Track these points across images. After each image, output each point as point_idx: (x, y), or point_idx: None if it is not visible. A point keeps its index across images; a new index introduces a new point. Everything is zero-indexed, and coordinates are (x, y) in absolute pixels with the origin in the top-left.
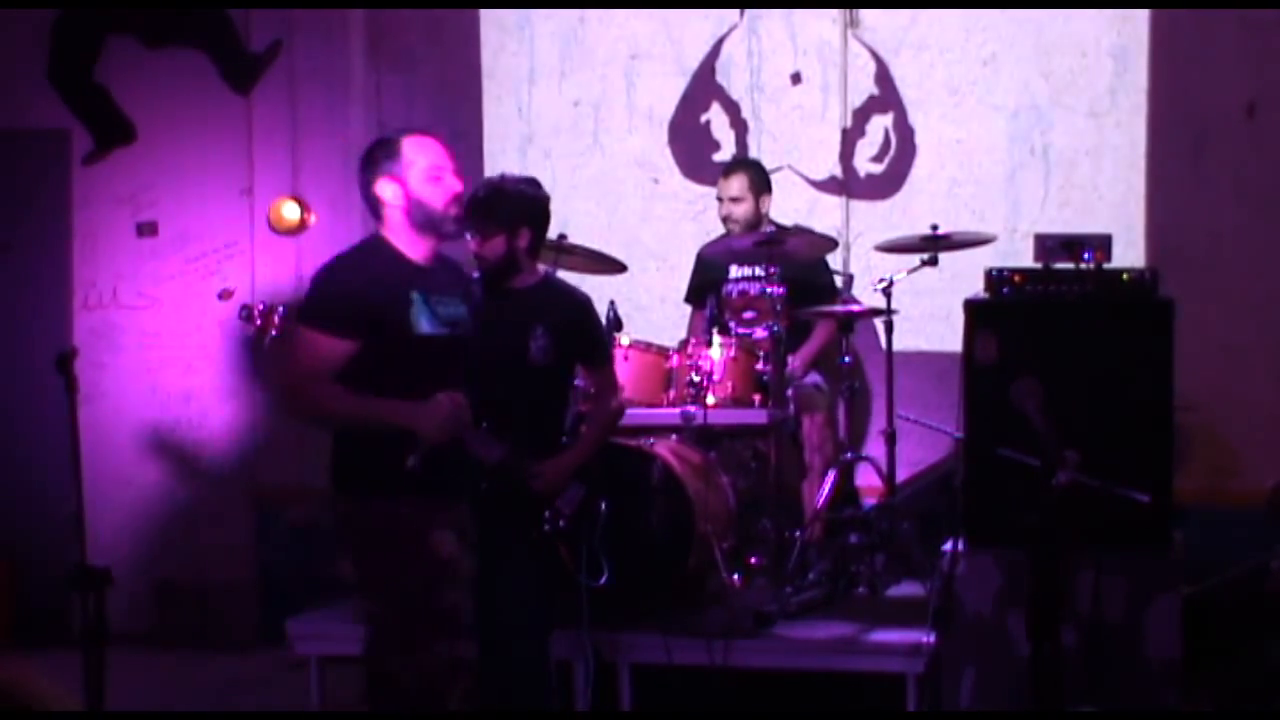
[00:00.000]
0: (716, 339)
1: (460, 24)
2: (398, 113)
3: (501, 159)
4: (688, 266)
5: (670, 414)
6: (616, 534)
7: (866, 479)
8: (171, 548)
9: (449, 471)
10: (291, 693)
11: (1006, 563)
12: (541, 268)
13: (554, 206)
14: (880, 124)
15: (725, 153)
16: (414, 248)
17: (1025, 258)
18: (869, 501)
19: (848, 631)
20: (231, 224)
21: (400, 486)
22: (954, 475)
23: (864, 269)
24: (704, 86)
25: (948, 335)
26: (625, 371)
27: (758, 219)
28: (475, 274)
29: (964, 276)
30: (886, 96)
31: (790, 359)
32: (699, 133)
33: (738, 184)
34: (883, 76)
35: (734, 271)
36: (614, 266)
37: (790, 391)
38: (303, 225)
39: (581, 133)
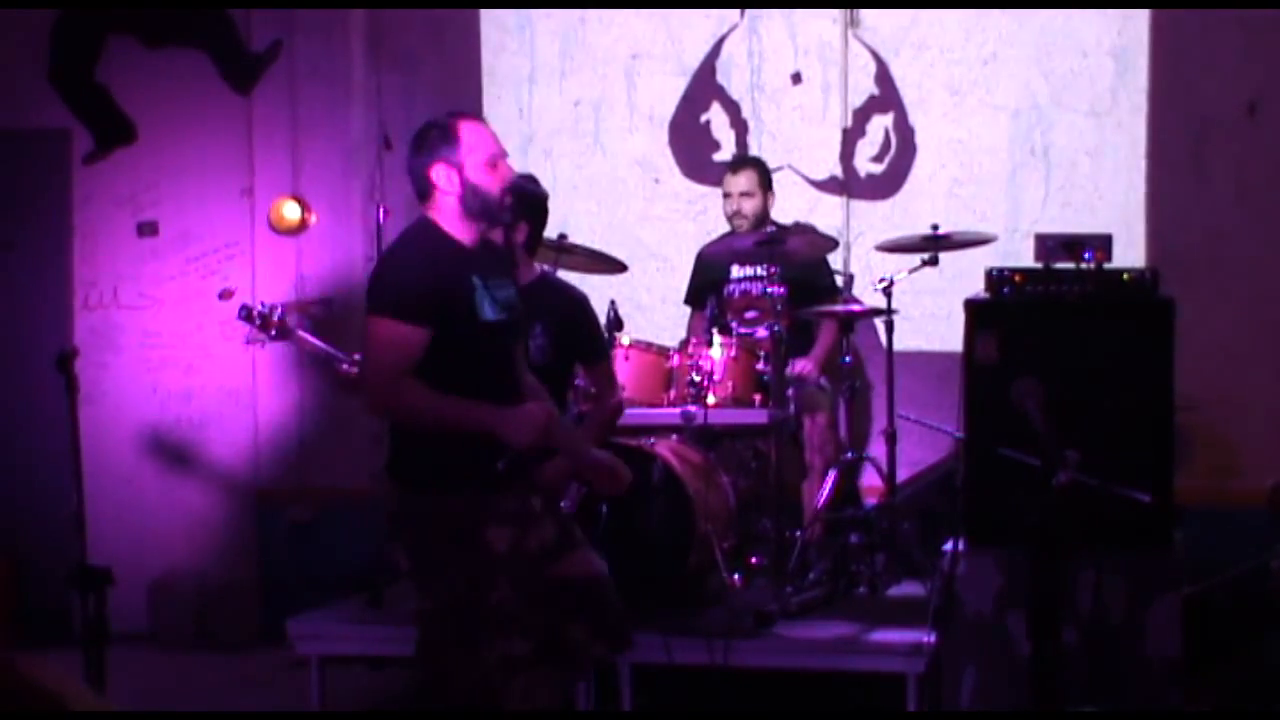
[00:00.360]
0: (717, 339)
1: (461, 24)
2: (398, 113)
3: None
4: (688, 266)
5: (671, 414)
6: (617, 534)
7: (867, 479)
8: (172, 548)
9: (516, 476)
10: (291, 693)
11: (1007, 562)
12: (539, 266)
13: (554, 206)
14: (881, 124)
15: (725, 152)
16: (464, 232)
17: (1026, 257)
18: (869, 501)
19: (848, 631)
20: (232, 224)
21: (456, 482)
22: (954, 475)
23: (864, 269)
24: (704, 86)
25: (948, 335)
26: (626, 371)
27: (765, 216)
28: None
29: (964, 276)
30: (887, 96)
31: (803, 362)
32: (699, 132)
33: (747, 179)
34: (883, 76)
35: (735, 271)
36: (614, 266)
37: (791, 391)
38: (303, 225)
39: (582, 132)
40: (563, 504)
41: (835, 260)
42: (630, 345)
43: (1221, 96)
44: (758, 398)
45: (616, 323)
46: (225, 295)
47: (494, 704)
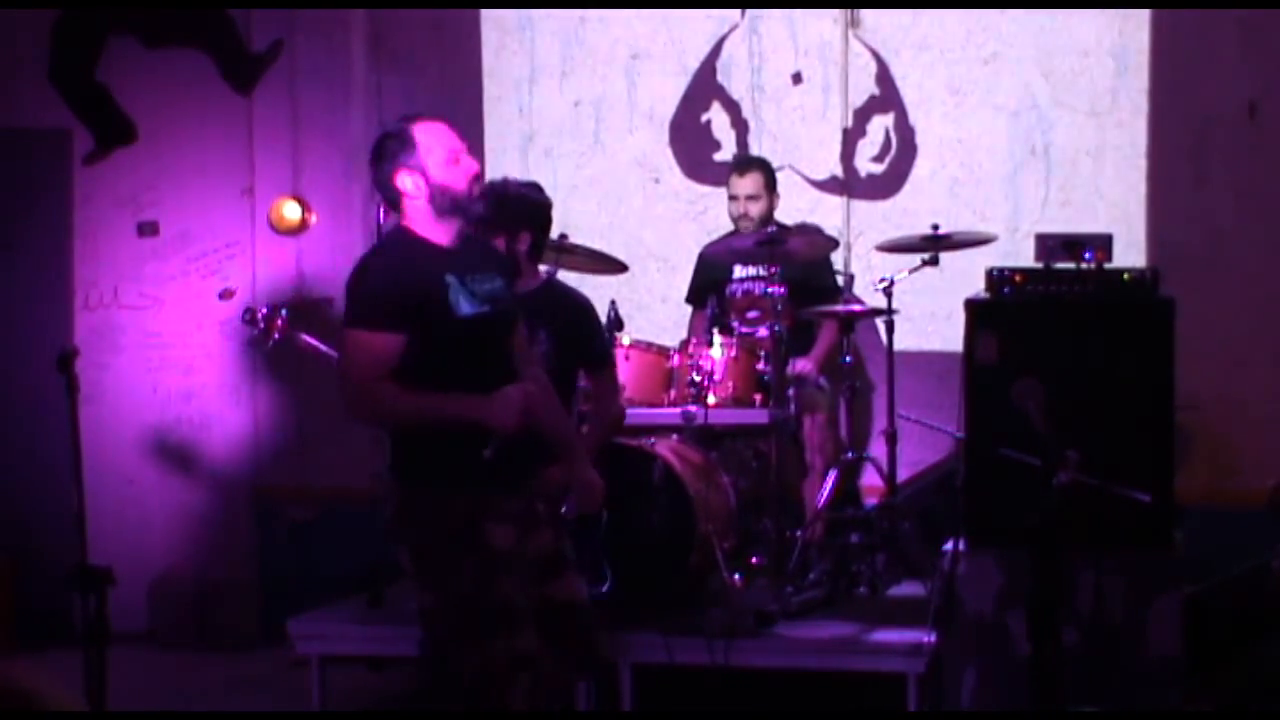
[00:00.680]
0: (717, 339)
1: (461, 24)
2: (398, 113)
3: (502, 159)
4: (689, 266)
5: (671, 414)
6: (618, 534)
7: (867, 478)
8: (172, 547)
9: (509, 463)
10: (292, 693)
11: (1007, 562)
12: (544, 269)
13: (555, 206)
14: (881, 124)
15: (726, 152)
16: (439, 233)
17: (1026, 257)
18: (870, 501)
19: (849, 631)
20: (232, 224)
21: (457, 478)
22: (955, 475)
23: (865, 269)
24: (705, 86)
25: (949, 335)
26: (626, 371)
27: (769, 217)
28: None
29: (965, 276)
30: (887, 96)
31: (803, 361)
32: (700, 132)
33: (753, 182)
34: (884, 76)
35: (738, 271)
36: (615, 266)
37: (791, 391)
38: (303, 225)
39: (582, 132)
40: (562, 510)
41: (836, 260)
42: (631, 345)
43: (1222, 96)
44: (758, 398)
45: (617, 323)
46: (226, 295)
47: (503, 701)
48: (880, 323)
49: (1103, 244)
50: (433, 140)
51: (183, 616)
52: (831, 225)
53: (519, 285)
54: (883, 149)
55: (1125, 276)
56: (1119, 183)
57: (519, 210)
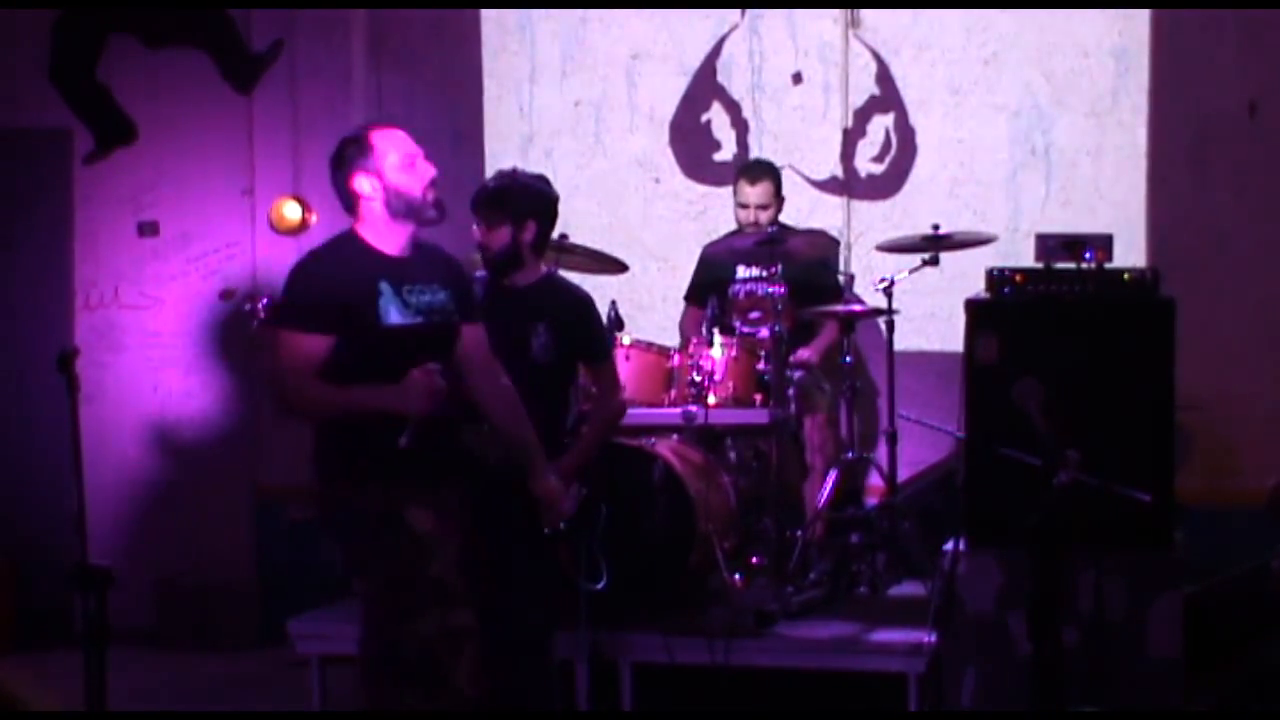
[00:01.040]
0: (718, 338)
1: (461, 24)
2: (399, 113)
3: (503, 159)
4: (689, 266)
5: (671, 413)
6: (618, 534)
7: (868, 478)
8: (172, 547)
9: (428, 454)
10: (292, 692)
11: (1008, 562)
12: (545, 267)
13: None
14: (881, 124)
15: (726, 152)
16: (390, 239)
17: (1026, 257)
18: (870, 501)
19: (849, 631)
20: (233, 224)
21: (374, 470)
22: (955, 475)
23: (865, 269)
24: (705, 86)
25: (949, 335)
26: (626, 371)
27: (775, 222)
28: (479, 273)
29: (965, 276)
30: (888, 96)
31: (804, 350)
32: (700, 133)
33: (765, 191)
34: (884, 76)
35: (741, 272)
36: (615, 266)
37: (791, 391)
38: (304, 225)
39: (583, 133)
40: (562, 505)
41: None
42: (631, 345)
43: (1222, 96)
44: (758, 397)
45: (617, 322)
46: (226, 295)
47: (441, 675)
48: (881, 322)
49: (1103, 244)
50: (390, 145)
51: (183, 616)
52: (832, 225)
53: (520, 279)
54: (883, 149)
55: (1125, 276)
56: (1119, 183)
57: (526, 200)
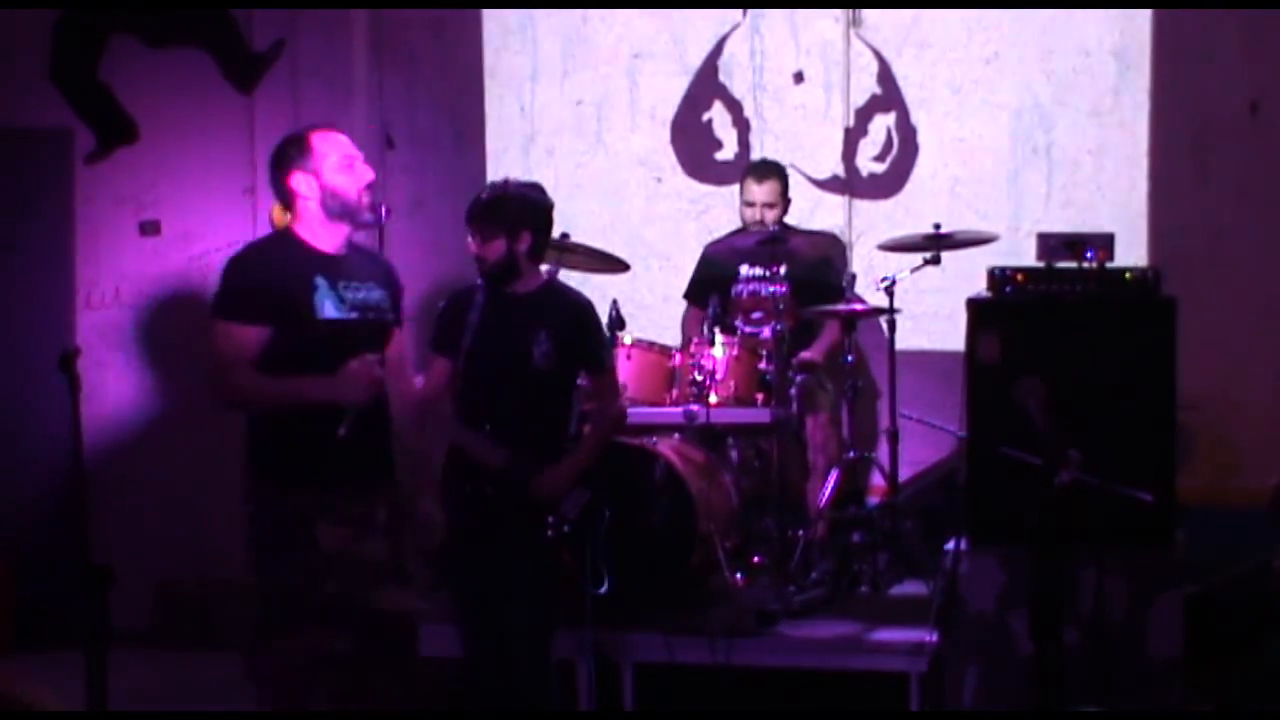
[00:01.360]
0: (719, 338)
1: (463, 23)
2: (400, 112)
3: (504, 158)
4: (690, 265)
5: (673, 413)
6: (619, 533)
7: (870, 478)
8: (173, 547)
9: (359, 461)
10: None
11: (1009, 562)
12: (545, 268)
13: (556, 206)
14: (883, 123)
15: (728, 152)
16: (325, 238)
17: (1028, 257)
18: (872, 500)
19: (850, 630)
20: (234, 223)
21: (301, 474)
22: (957, 474)
23: (867, 268)
24: (706, 85)
25: (950, 334)
26: (628, 370)
27: (781, 221)
28: (479, 280)
29: (967, 275)
30: (889, 95)
31: (807, 352)
32: (701, 132)
33: (771, 189)
34: (885, 75)
35: (744, 271)
36: (617, 265)
37: (793, 390)
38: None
39: (584, 132)
40: (564, 508)
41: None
42: (633, 344)
43: (1224, 96)
44: (760, 397)
45: (619, 322)
46: (148, 229)
47: (301, 698)
48: (882, 322)
49: (1104, 243)
50: (329, 147)
51: (184, 616)
52: (833, 224)
53: (520, 286)
54: (884, 148)
55: (1127, 276)
56: (1120, 182)
57: (519, 210)
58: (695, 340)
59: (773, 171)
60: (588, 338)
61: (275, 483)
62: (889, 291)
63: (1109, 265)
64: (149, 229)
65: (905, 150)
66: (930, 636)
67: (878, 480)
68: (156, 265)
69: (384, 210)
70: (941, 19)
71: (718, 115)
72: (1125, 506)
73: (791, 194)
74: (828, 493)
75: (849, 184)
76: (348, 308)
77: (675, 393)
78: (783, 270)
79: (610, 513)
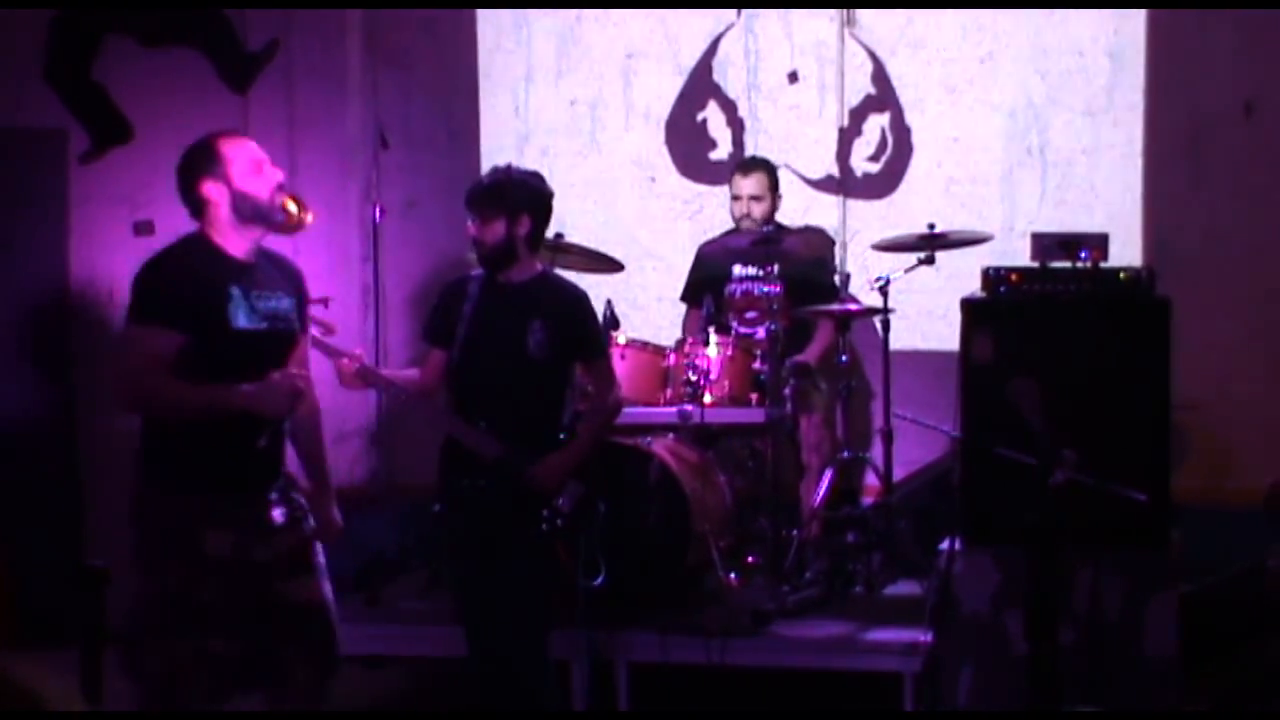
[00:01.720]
0: (713, 337)
1: (457, 23)
2: (394, 112)
3: (498, 157)
4: (685, 265)
5: (667, 413)
6: (614, 533)
7: (864, 477)
8: None
9: (251, 465)
10: None
11: (1004, 562)
12: (539, 264)
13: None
14: (877, 123)
15: (722, 151)
16: (237, 243)
17: (1022, 257)
18: (866, 500)
19: (845, 630)
20: None
21: (189, 480)
22: (951, 474)
23: (861, 268)
24: (701, 85)
25: (945, 334)
26: (622, 370)
27: (771, 218)
28: (475, 272)
29: (961, 275)
30: (883, 95)
31: (800, 356)
32: (696, 131)
33: (757, 182)
34: (880, 76)
35: (737, 270)
36: (611, 265)
37: (787, 390)
38: (300, 224)
39: (578, 131)
40: (559, 502)
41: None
42: (627, 344)
43: (1218, 96)
44: (754, 397)
45: (613, 322)
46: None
47: (174, 698)
48: (876, 322)
49: (1099, 243)
50: (236, 152)
51: None
52: (827, 224)
53: (515, 275)
54: (879, 148)
55: (1121, 276)
56: (1115, 182)
57: (520, 194)
58: (689, 340)
59: (758, 165)
60: (582, 327)
61: (165, 489)
62: (883, 291)
63: (1103, 265)
64: (143, 229)
65: (899, 150)
66: (925, 636)
67: (872, 480)
68: None
69: (378, 210)
70: (936, 19)
71: (712, 115)
72: (1120, 506)
73: (786, 194)
74: (822, 492)
75: (843, 184)
76: (259, 318)
77: (669, 392)
78: (776, 270)
79: (605, 507)
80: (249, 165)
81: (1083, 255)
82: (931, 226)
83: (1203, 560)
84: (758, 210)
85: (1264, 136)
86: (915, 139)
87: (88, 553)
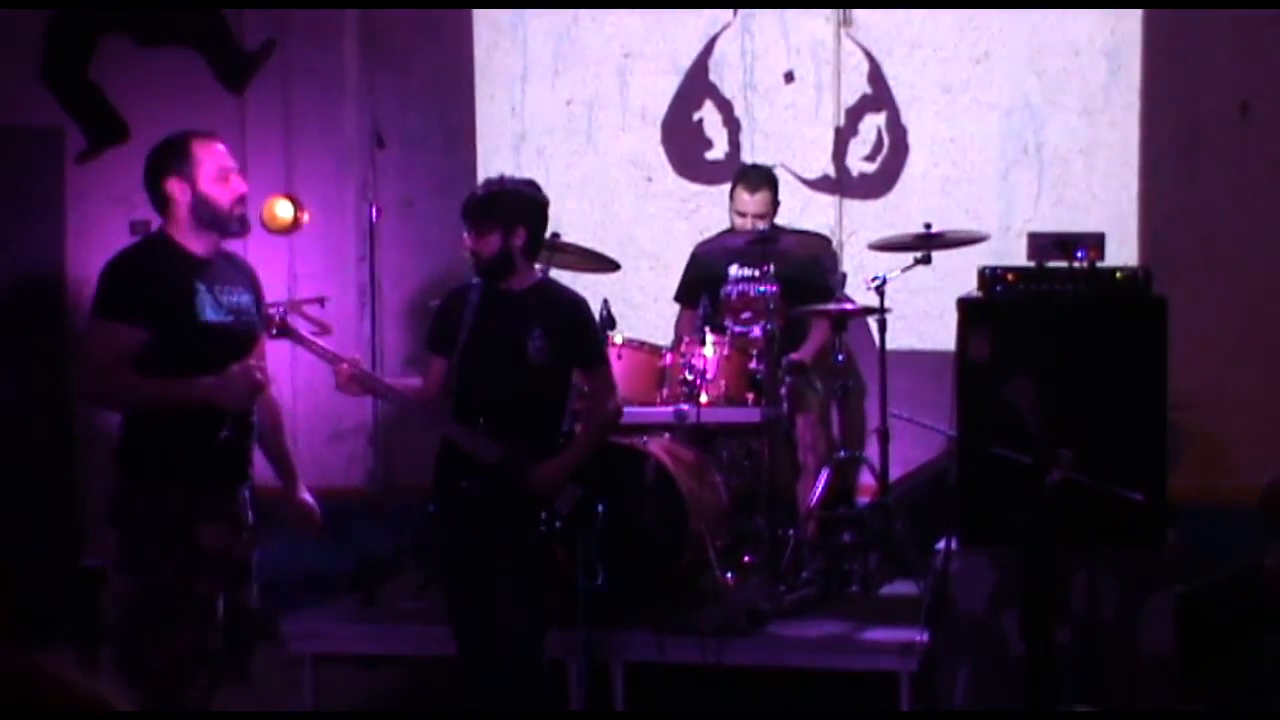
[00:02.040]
0: (709, 337)
1: (453, 23)
2: (391, 112)
3: (495, 157)
4: (681, 265)
5: (663, 412)
6: (610, 532)
7: (860, 477)
8: None
9: (229, 460)
10: (285, 691)
11: (1000, 561)
12: (538, 270)
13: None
14: (873, 123)
15: (718, 151)
16: (197, 243)
17: (1018, 256)
18: (862, 500)
19: (841, 630)
20: None
21: (176, 472)
22: (947, 474)
23: (857, 267)
24: (697, 85)
25: (941, 334)
26: (618, 370)
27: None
28: (475, 280)
29: (957, 275)
30: (879, 95)
31: (795, 355)
32: (692, 131)
33: (763, 200)
34: (876, 75)
35: (734, 271)
36: (607, 265)
37: (783, 390)
38: (296, 224)
39: (575, 131)
40: (557, 504)
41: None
42: (623, 344)
43: (1214, 95)
44: (750, 396)
45: (609, 321)
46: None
47: (180, 696)
48: (873, 321)
49: (1095, 243)
50: (207, 156)
51: None
52: (823, 224)
53: (515, 283)
54: (875, 148)
55: (1117, 275)
56: (1111, 181)
57: (515, 206)
58: (686, 340)
59: (764, 181)
60: (582, 334)
61: (153, 482)
62: (879, 291)
63: (1099, 265)
64: (140, 229)
65: (896, 150)
66: (921, 636)
67: (868, 480)
68: None
69: (375, 210)
70: (932, 19)
71: (708, 115)
72: (1116, 506)
73: (783, 194)
74: (818, 492)
75: (839, 184)
76: (224, 312)
77: (666, 392)
78: (772, 270)
79: (604, 509)
80: (216, 171)
81: (1079, 255)
82: (928, 226)
83: (1199, 559)
84: (762, 225)
85: (1260, 136)
86: (911, 139)
87: (83, 553)
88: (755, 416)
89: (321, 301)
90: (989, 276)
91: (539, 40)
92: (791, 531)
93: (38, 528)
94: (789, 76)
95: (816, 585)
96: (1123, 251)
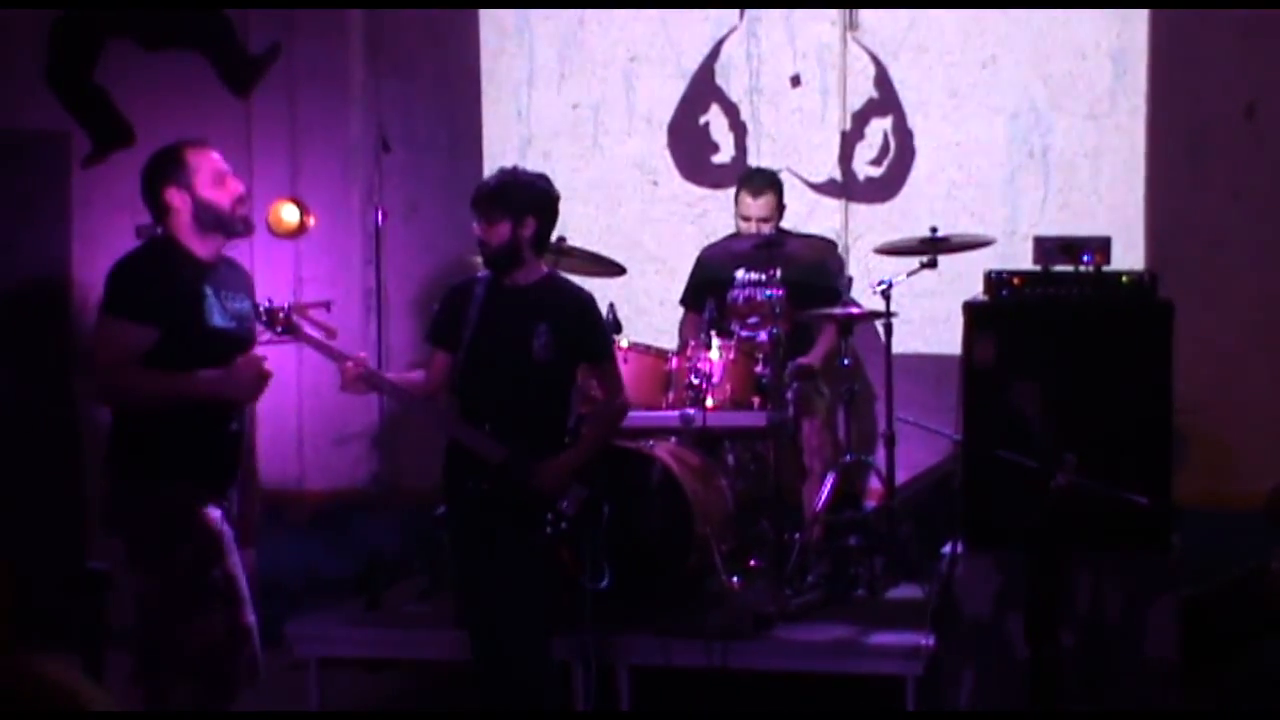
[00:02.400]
0: (715, 341)
1: (459, 26)
2: (396, 115)
3: (501, 161)
4: (687, 269)
5: (669, 416)
6: (616, 536)
7: (866, 481)
8: None
9: (223, 454)
10: (290, 694)
11: (1005, 565)
12: (545, 266)
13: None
14: (879, 126)
15: (724, 155)
16: (202, 247)
17: (1024, 260)
18: (868, 504)
19: (847, 633)
20: None
21: (170, 469)
22: (953, 478)
23: (863, 271)
24: (703, 89)
25: (947, 338)
26: (624, 374)
27: (776, 226)
28: (480, 274)
29: (963, 279)
30: (886, 99)
31: (803, 359)
32: (698, 135)
33: (768, 204)
34: (882, 79)
35: (740, 275)
36: (613, 269)
37: (789, 394)
38: (302, 228)
39: (581, 135)
40: (563, 505)
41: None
42: (629, 348)
43: (1220, 98)
44: (756, 400)
45: (615, 325)
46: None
47: (224, 671)
48: (879, 325)
49: (1101, 246)
50: (201, 162)
51: None
52: (830, 228)
53: (521, 278)
54: (881, 152)
55: (1124, 279)
56: (1117, 185)
57: (526, 196)
58: (692, 344)
59: (768, 185)
60: (589, 330)
61: (157, 476)
62: (885, 295)
63: (1105, 269)
64: (145, 233)
65: (902, 154)
66: (926, 640)
67: (874, 483)
68: None
69: (380, 214)
70: (938, 22)
71: (714, 119)
72: (1121, 509)
73: (789, 198)
74: (824, 496)
75: (846, 187)
76: (229, 317)
77: (672, 396)
78: (778, 274)
79: (610, 509)
80: (212, 175)
81: (1085, 259)
82: (934, 230)
83: (1204, 563)
84: (766, 229)
85: (1267, 138)
86: (917, 143)
87: (89, 556)
88: (761, 420)
89: (327, 305)
90: (995, 280)
91: (545, 44)
92: (797, 535)
93: (42, 530)
94: (795, 80)
95: (822, 589)
96: (1129, 255)
